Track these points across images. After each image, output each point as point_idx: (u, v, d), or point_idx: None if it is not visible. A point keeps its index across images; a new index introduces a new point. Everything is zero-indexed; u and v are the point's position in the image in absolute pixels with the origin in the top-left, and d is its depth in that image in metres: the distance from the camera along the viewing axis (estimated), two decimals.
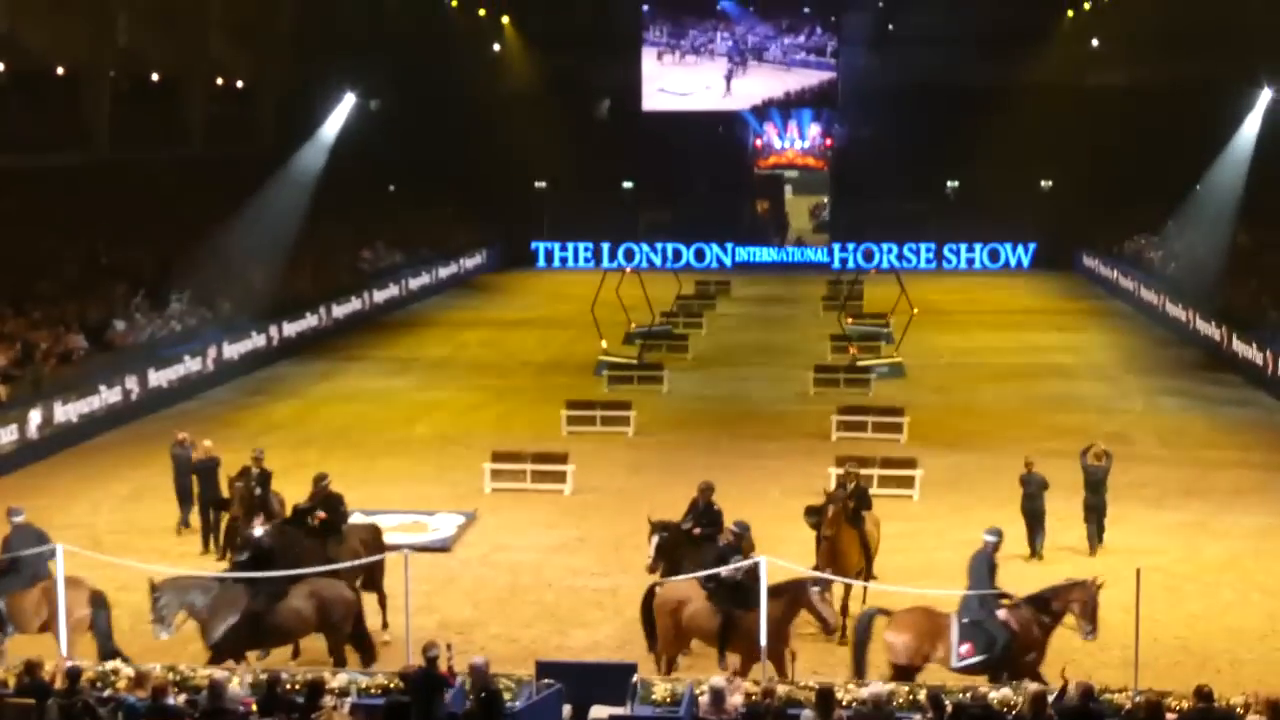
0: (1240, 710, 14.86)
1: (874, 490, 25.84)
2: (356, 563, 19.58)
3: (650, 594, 18.36)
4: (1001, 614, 17.17)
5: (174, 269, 41.82)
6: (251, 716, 14.95)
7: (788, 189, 72.77)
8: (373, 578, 20.12)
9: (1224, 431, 32.92)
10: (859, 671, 17.30)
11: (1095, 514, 23.78)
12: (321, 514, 20.69)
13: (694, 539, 19.43)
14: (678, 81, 67.79)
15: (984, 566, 17.71)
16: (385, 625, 20.00)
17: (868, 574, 20.41)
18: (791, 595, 17.62)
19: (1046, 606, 17.33)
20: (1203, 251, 49.53)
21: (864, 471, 25.67)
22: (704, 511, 19.78)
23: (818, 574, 18.24)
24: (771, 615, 17.19)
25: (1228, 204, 49.53)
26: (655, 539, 19.47)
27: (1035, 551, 23.42)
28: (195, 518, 24.69)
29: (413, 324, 50.86)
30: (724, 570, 17.84)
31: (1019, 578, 19.29)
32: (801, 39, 67.37)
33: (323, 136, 54.99)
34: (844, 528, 20.05)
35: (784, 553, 19.08)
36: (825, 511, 20.01)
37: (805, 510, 20.78)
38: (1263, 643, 19.37)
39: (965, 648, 17.20)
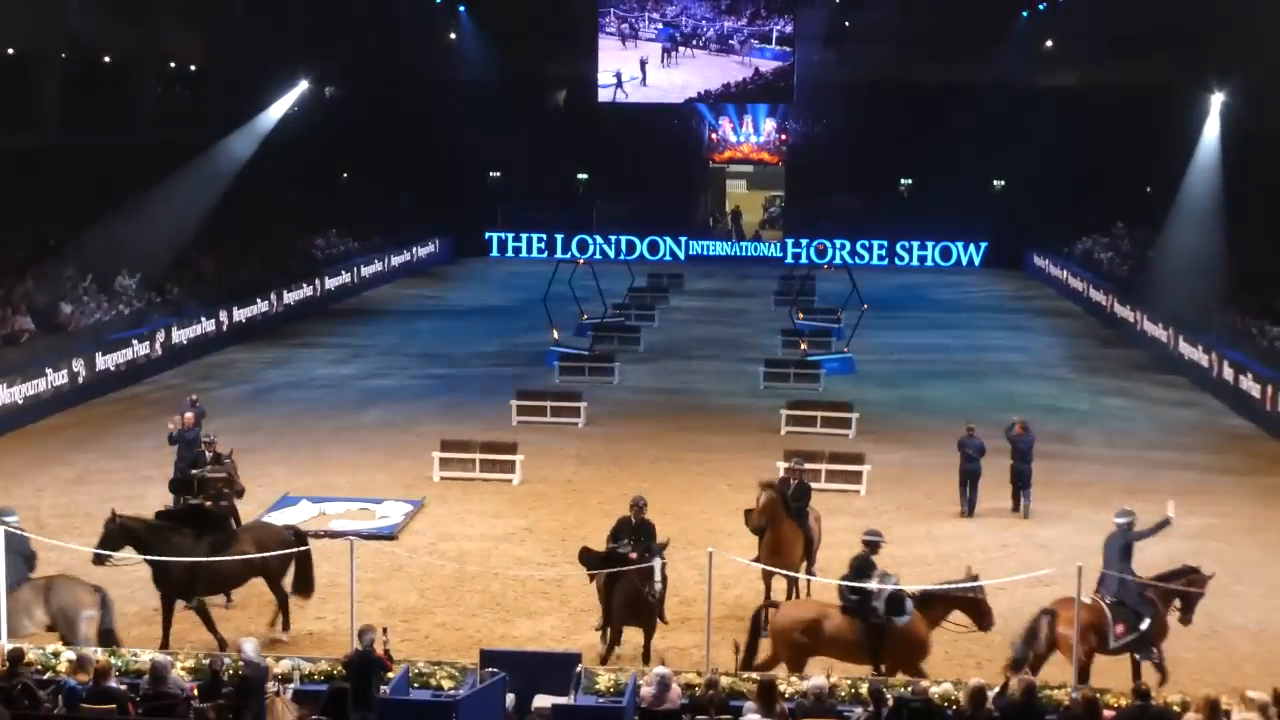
0: (1178, 709, 15.03)
1: (822, 485, 26.17)
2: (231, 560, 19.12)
3: (758, 616, 17.93)
4: (1147, 592, 17.59)
5: (110, 251, 41.30)
6: (193, 701, 14.93)
7: (737, 184, 72.94)
8: (270, 578, 19.67)
9: (1168, 432, 33.25)
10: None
11: (1021, 479, 25.96)
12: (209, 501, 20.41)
13: (628, 560, 18.63)
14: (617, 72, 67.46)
15: (1116, 548, 18.12)
16: (286, 627, 19.62)
17: (809, 568, 20.55)
18: (947, 600, 17.61)
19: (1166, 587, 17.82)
20: (1162, 255, 49.91)
21: (812, 466, 26.07)
22: (637, 528, 19.24)
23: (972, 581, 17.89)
24: (932, 620, 17.48)
25: (1189, 208, 49.85)
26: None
27: (967, 510, 25.80)
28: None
29: (364, 311, 50.72)
30: (878, 585, 17.38)
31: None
32: (744, 23, 66.93)
33: (260, 122, 54.46)
34: (786, 522, 20.10)
35: (731, 546, 19.20)
36: (757, 500, 20.00)
37: (745, 513, 20.67)
38: (1202, 642, 19.58)
39: (1119, 628, 17.65)
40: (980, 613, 17.61)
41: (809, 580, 20.25)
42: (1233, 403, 35.55)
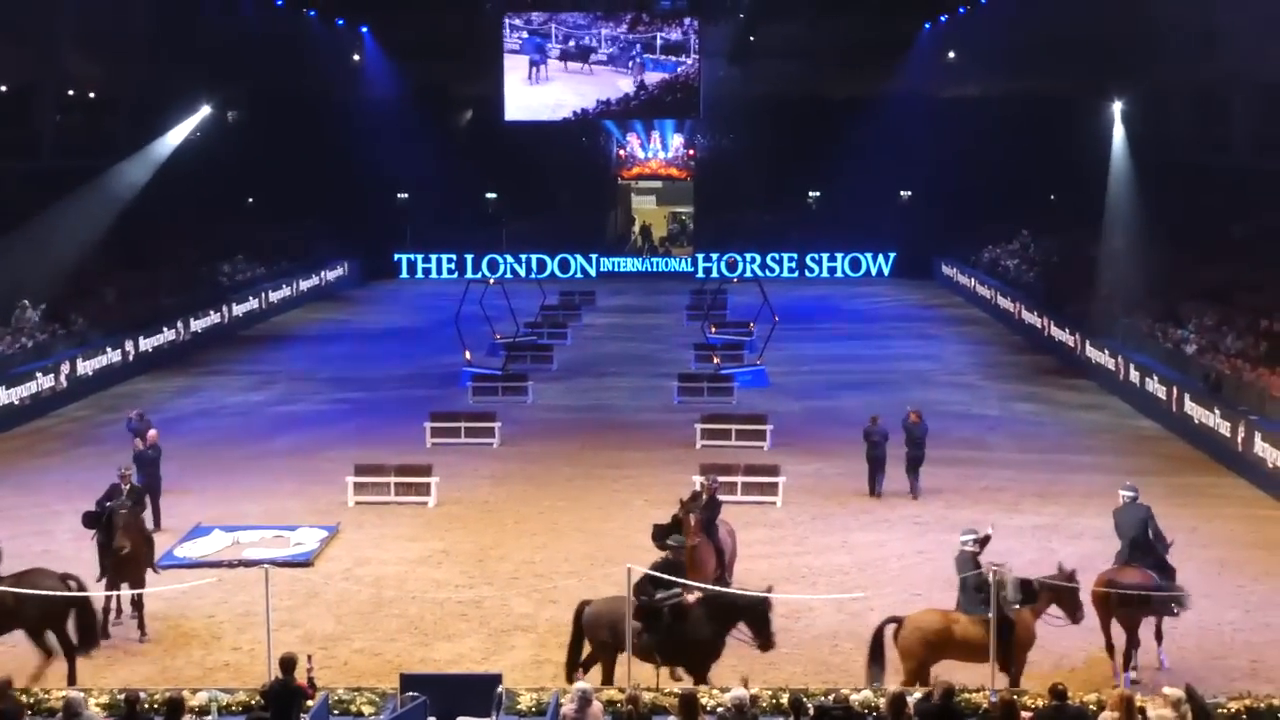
0: (1093, 708, 15.28)
1: (737, 498, 26.41)
2: None
3: (882, 627, 17.83)
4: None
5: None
6: None
7: (646, 200, 73.18)
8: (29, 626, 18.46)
9: (1077, 435, 33.75)
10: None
11: (915, 465, 28.04)
12: None
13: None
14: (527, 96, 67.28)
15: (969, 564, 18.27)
16: (71, 680, 18.15)
17: (725, 580, 20.61)
18: (1048, 591, 17.95)
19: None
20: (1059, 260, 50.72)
21: (728, 479, 26.34)
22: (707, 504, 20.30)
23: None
24: (1035, 612, 17.89)
25: (1093, 216, 50.65)
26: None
27: (875, 491, 27.92)
28: None
29: (274, 337, 50.32)
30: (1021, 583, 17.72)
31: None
32: (641, 33, 66.88)
33: (160, 147, 53.94)
34: (701, 538, 20.22)
35: (647, 561, 19.19)
36: (687, 521, 20.16)
37: (654, 531, 20.64)
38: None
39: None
40: (1074, 605, 18.09)
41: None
42: (1140, 405, 36.16)
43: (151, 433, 26.33)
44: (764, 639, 17.72)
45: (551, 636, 20.24)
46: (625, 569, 17.37)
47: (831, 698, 15.36)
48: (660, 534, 20.32)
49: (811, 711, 14.80)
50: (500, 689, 16.15)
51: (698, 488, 21.08)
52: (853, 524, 26.10)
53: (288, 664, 15.21)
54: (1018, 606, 17.59)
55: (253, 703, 15.83)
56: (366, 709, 15.98)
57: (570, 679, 17.23)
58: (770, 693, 16.14)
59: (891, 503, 27.39)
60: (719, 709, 15.30)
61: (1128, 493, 20.37)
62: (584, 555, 24.04)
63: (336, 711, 15.90)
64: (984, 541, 18.47)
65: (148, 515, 23.53)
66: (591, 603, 18.13)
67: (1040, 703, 15.27)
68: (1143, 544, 19.61)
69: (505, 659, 19.20)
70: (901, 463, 28.21)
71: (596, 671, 17.76)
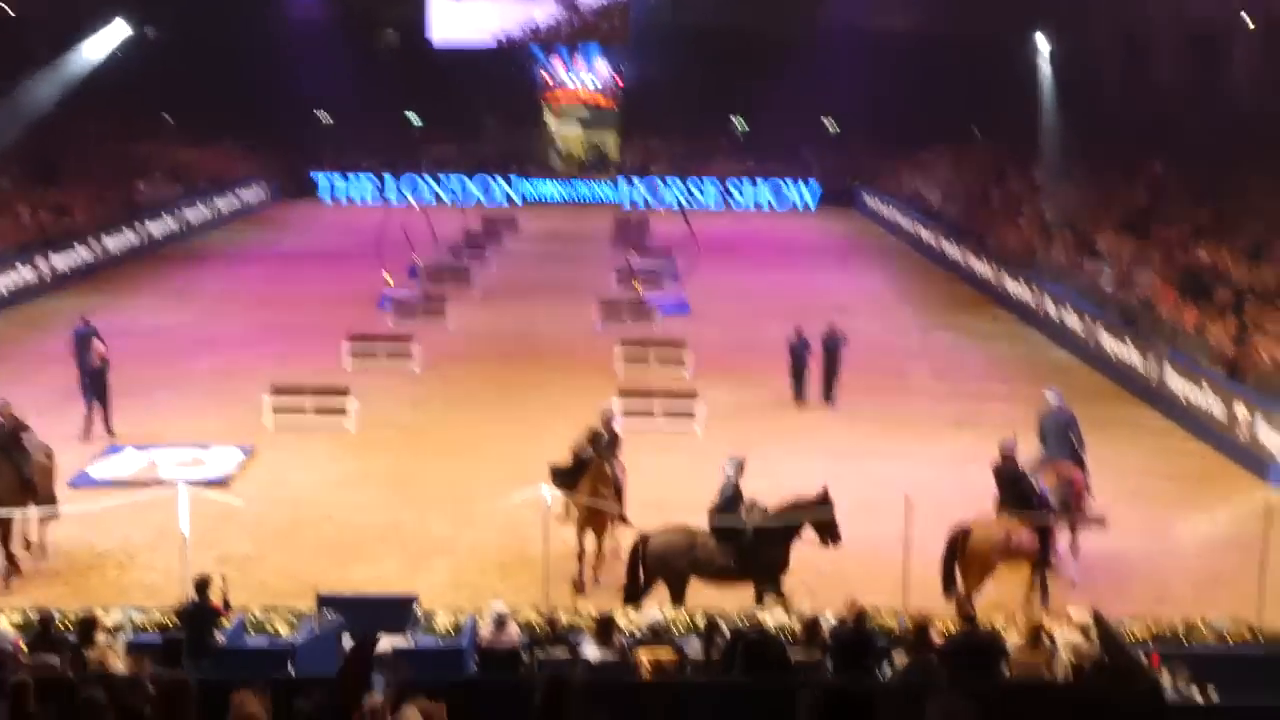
0: (1003, 630, 15.55)
1: (658, 422, 26.56)
2: None
3: (957, 539, 18.22)
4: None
5: None
6: (21, 655, 14.64)
7: (570, 126, 72.75)
8: None
9: (995, 366, 34.10)
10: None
11: (831, 377, 29.92)
12: None
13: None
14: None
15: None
16: None
17: (623, 514, 20.45)
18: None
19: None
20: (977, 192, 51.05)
21: (645, 405, 26.58)
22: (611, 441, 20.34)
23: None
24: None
25: (1016, 148, 51.00)
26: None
27: (799, 397, 29.80)
28: None
29: (191, 258, 49.66)
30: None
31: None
32: None
33: (73, 64, 52.85)
34: (603, 471, 20.03)
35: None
36: (590, 464, 19.92)
37: (553, 474, 20.24)
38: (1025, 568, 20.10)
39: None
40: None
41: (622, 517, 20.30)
42: (1056, 336, 36.58)
43: (100, 346, 26.40)
44: (833, 536, 18.06)
45: (470, 559, 20.31)
46: (544, 491, 17.42)
47: (746, 621, 15.52)
48: (562, 477, 20.00)
49: (727, 634, 14.94)
50: (417, 609, 16.20)
51: (600, 426, 20.53)
52: (773, 451, 26.14)
53: (202, 585, 15.18)
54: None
55: (169, 623, 15.76)
56: (283, 628, 15.98)
57: (632, 603, 17.41)
58: (686, 615, 16.28)
59: (812, 432, 27.60)
60: (635, 632, 15.42)
61: (1053, 397, 21.10)
62: (504, 478, 23.88)
63: (253, 631, 15.89)
64: (742, 467, 18.73)
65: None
66: (653, 536, 18.04)
67: (951, 626, 15.51)
68: (1065, 448, 20.49)
69: (423, 581, 19.21)
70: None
71: (513, 594, 17.81)
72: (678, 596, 17.65)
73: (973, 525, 18.45)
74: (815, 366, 30.09)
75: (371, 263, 41.91)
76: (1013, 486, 19.03)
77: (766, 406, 29.33)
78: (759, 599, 17.75)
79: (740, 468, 18.65)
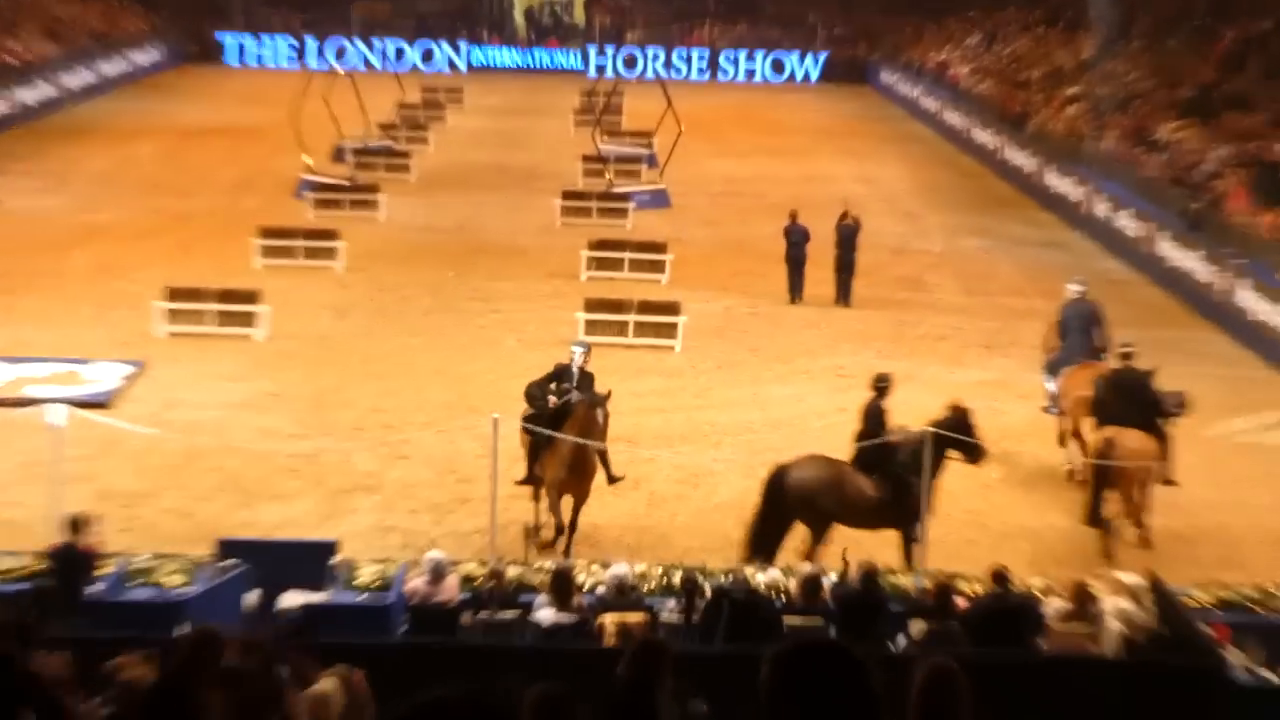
0: (1040, 595, 15.42)
1: (630, 339, 26.42)
2: None
3: (1104, 452, 18.77)
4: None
5: None
6: None
7: None
8: None
9: (1031, 277, 33.86)
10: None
11: (845, 269, 30.15)
12: None
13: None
14: None
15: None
16: None
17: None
18: None
19: None
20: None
21: (618, 317, 26.34)
22: (579, 379, 18.99)
23: None
24: None
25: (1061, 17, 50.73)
26: None
27: (795, 294, 30.22)
28: None
29: (71, 131, 49.20)
30: None
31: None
32: None
33: None
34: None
35: (519, 411, 19.08)
36: (575, 411, 19.31)
37: (529, 394, 19.46)
38: (1069, 517, 20.06)
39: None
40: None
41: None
42: (1107, 243, 36.46)
43: None
44: (977, 452, 18.21)
45: (400, 499, 20.14)
46: (491, 419, 17.21)
47: (731, 578, 15.37)
48: (538, 422, 19.11)
49: (709, 593, 14.78)
50: (336, 558, 16.05)
51: (575, 360, 19.71)
52: (765, 374, 26.09)
53: (76, 524, 15.01)
54: None
55: (38, 569, 15.58)
56: (175, 578, 15.76)
57: (759, 560, 16.98)
58: (660, 571, 16.12)
59: (814, 352, 27.41)
60: (598, 587, 15.29)
61: (1076, 286, 21.84)
62: (443, 403, 23.88)
63: (138, 580, 15.67)
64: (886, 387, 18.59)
65: None
66: (791, 468, 17.68)
67: (978, 588, 15.39)
68: (1087, 347, 21.16)
69: (344, 524, 19.02)
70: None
71: (453, 542, 17.66)
72: (817, 543, 17.44)
73: (1113, 435, 18.82)
74: (818, 260, 30.26)
75: (287, 141, 41.51)
76: (1132, 395, 19.37)
77: (758, 318, 29.17)
78: (907, 553, 17.52)
79: (884, 388, 18.45)
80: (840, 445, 18.60)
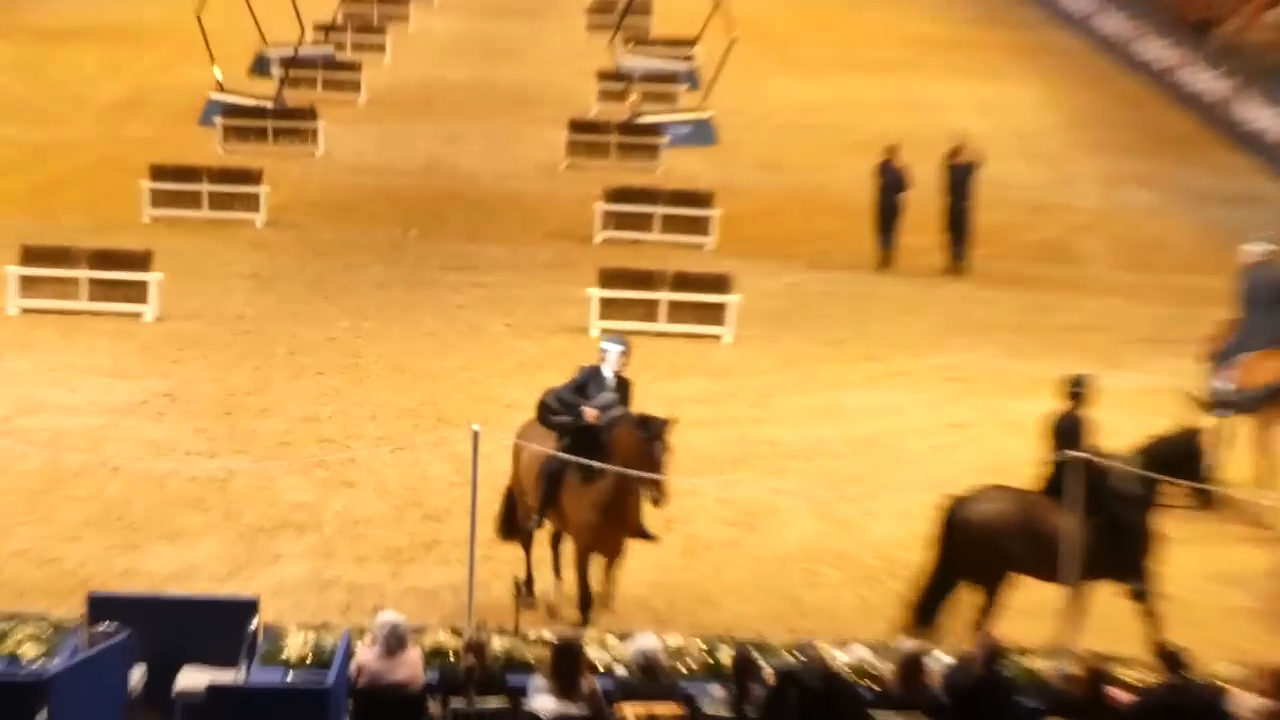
0: (1230, 687, 15.37)
1: (662, 326, 26.47)
2: None
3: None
4: None
5: None
6: None
7: None
8: None
9: (1217, 246, 33.73)
10: None
11: (957, 222, 30.82)
12: None
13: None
14: None
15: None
16: None
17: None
18: None
19: None
20: None
21: (648, 296, 26.43)
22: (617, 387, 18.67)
23: None
24: None
25: None
26: None
27: (885, 248, 31.06)
28: None
29: None
30: None
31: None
32: None
33: None
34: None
35: (504, 420, 19.14)
36: (618, 437, 19.00)
37: (547, 406, 19.54)
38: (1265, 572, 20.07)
39: None
40: None
41: None
42: None
43: None
44: (1207, 493, 18.36)
45: (343, 541, 20.18)
46: (470, 432, 17.23)
47: (803, 656, 15.39)
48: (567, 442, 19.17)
49: (770, 678, 14.79)
50: (255, 622, 16.06)
51: (609, 361, 19.38)
52: (848, 374, 26.09)
53: None
54: None
55: None
56: (30, 648, 15.84)
57: (924, 625, 17.21)
58: (702, 644, 16.15)
59: (914, 345, 27.26)
60: (616, 666, 15.34)
61: (1261, 246, 22.17)
62: (402, 411, 23.92)
63: None
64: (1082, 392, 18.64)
65: None
66: (969, 502, 17.77)
67: (1147, 677, 15.39)
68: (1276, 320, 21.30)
69: (266, 575, 19.11)
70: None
71: (417, 601, 17.72)
72: (992, 603, 17.46)
73: None
74: (920, 216, 30.58)
75: (190, 47, 41.66)
76: None
77: (840, 301, 29.24)
78: (1142, 603, 17.56)
79: (1081, 393, 18.46)
80: (952, 474, 18.62)
